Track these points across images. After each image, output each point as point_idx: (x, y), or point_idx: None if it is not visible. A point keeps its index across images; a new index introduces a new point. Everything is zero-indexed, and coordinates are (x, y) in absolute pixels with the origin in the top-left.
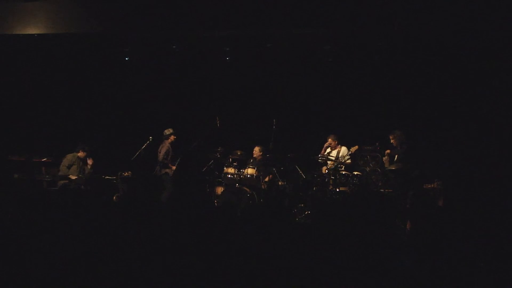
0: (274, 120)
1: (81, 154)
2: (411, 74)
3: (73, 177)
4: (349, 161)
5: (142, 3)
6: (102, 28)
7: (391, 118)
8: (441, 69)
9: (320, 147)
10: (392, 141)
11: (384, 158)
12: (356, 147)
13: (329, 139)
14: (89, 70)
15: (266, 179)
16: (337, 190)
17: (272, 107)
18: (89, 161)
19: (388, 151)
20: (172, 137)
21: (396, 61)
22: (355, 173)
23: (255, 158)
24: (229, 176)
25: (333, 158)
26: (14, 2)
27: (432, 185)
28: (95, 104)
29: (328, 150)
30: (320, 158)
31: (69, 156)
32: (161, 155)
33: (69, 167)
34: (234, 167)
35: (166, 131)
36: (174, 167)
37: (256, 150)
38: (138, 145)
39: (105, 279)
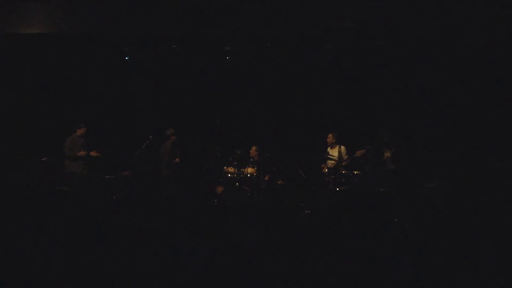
0: (274, 120)
1: (81, 131)
2: (412, 74)
3: (83, 153)
4: (345, 161)
5: (142, 3)
6: (102, 28)
7: (391, 118)
8: (442, 68)
9: (320, 146)
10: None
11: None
12: (363, 151)
13: (329, 135)
14: (89, 69)
15: (266, 178)
16: (337, 189)
17: (272, 107)
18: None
19: (387, 150)
20: (172, 138)
21: (396, 61)
22: (355, 172)
23: (253, 157)
24: (229, 175)
25: (335, 158)
26: (15, 2)
27: (432, 185)
28: (95, 104)
29: (328, 149)
30: (319, 157)
31: (69, 140)
32: (166, 155)
33: (72, 149)
34: (234, 167)
35: (168, 131)
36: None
37: (253, 150)
38: (138, 145)
39: (105, 279)
